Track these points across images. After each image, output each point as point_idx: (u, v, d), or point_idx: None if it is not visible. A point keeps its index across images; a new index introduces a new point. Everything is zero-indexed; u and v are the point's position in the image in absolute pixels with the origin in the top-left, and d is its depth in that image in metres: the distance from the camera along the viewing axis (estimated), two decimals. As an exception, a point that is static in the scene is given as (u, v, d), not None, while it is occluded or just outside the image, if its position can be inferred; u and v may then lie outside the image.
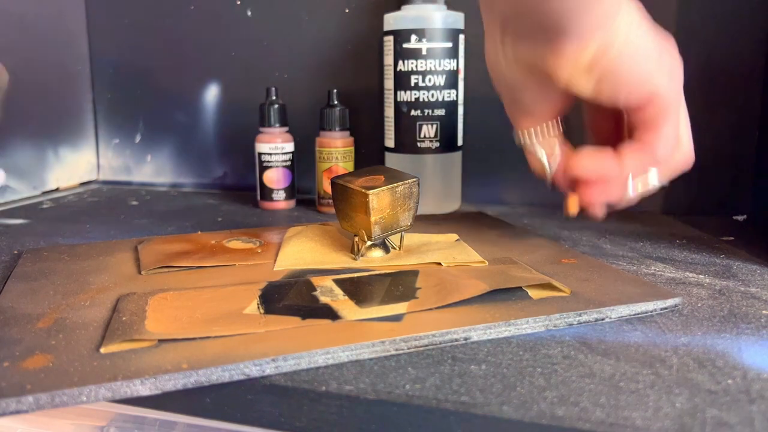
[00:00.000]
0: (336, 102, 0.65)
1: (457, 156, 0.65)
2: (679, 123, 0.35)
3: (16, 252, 0.49)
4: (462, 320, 0.33)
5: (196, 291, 0.38)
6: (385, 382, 0.28)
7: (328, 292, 0.38)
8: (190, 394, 0.28)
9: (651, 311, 0.36)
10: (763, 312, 0.37)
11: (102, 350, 0.30)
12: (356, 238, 0.45)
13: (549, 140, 0.38)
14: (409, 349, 0.31)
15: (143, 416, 0.32)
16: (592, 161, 0.36)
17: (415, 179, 0.43)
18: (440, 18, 0.60)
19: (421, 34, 0.60)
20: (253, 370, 0.28)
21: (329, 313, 0.34)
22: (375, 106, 0.73)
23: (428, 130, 0.62)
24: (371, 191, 0.41)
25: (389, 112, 0.63)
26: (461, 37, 0.62)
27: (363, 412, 0.27)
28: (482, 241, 0.50)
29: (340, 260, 0.44)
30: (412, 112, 0.61)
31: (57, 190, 0.79)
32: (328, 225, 0.52)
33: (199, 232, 0.54)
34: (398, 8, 0.62)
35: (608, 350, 0.31)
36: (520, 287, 0.38)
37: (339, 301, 0.36)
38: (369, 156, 0.73)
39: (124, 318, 0.33)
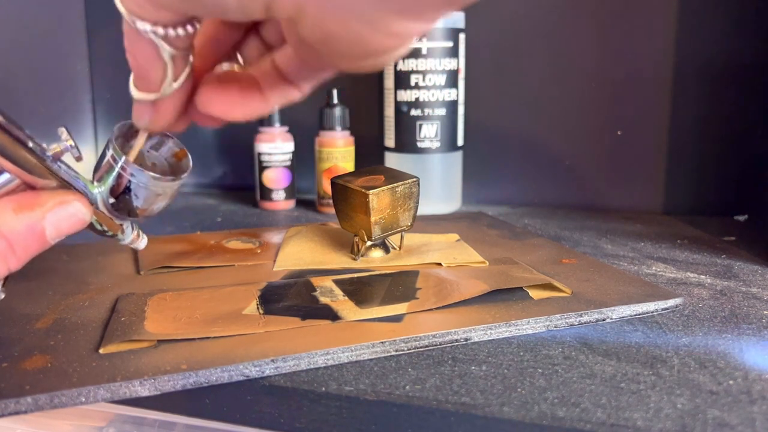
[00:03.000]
0: (336, 102, 0.65)
1: (457, 156, 0.65)
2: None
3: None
4: (462, 321, 0.33)
5: (196, 291, 0.38)
6: (385, 383, 0.28)
7: (328, 292, 0.37)
8: (189, 394, 0.28)
9: (652, 312, 0.36)
10: (765, 312, 0.36)
11: (101, 351, 0.30)
12: (356, 238, 0.44)
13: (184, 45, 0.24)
14: (409, 349, 0.31)
15: (142, 417, 0.32)
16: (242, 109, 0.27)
17: (415, 179, 0.43)
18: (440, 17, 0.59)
19: (421, 33, 0.59)
20: (252, 370, 0.28)
21: (329, 314, 0.34)
22: (375, 106, 0.73)
23: (428, 130, 0.61)
24: (371, 191, 0.41)
25: (389, 112, 0.63)
26: (461, 36, 0.62)
27: (363, 412, 0.27)
28: (482, 241, 0.49)
29: (340, 260, 0.44)
30: (412, 112, 0.61)
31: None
32: (328, 225, 0.52)
33: (199, 233, 0.53)
34: (398, 8, 0.62)
35: (609, 351, 0.31)
36: (521, 287, 0.38)
37: (339, 301, 0.36)
38: (369, 156, 0.73)
39: (123, 318, 0.33)
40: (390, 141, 0.64)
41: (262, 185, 0.68)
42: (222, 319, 0.33)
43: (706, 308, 0.37)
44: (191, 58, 0.25)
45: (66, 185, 0.27)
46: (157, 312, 0.34)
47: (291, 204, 0.69)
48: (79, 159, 0.27)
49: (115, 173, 0.28)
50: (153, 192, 0.29)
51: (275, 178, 0.67)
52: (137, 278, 0.41)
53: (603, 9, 0.63)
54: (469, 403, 0.26)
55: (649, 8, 0.62)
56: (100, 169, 0.28)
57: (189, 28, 0.23)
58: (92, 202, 0.28)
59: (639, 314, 0.35)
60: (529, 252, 0.47)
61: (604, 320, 0.35)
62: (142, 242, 0.33)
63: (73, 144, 0.27)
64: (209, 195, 0.77)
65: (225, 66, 0.28)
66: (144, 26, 0.22)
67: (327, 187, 0.65)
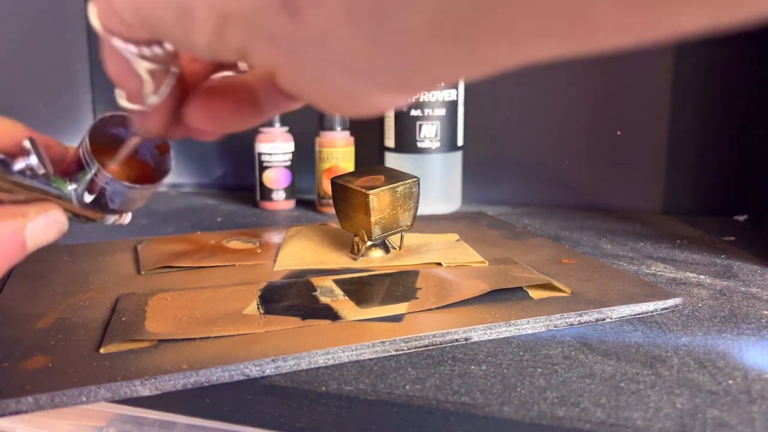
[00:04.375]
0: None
1: (457, 156, 0.65)
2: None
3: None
4: (462, 320, 0.33)
5: (196, 291, 0.38)
6: (385, 383, 0.28)
7: (328, 292, 0.37)
8: (189, 394, 0.28)
9: (652, 311, 0.36)
10: (764, 312, 0.37)
11: (102, 351, 0.30)
12: (356, 238, 0.45)
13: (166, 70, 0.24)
14: (409, 349, 0.31)
15: (143, 416, 0.32)
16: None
17: (415, 179, 0.43)
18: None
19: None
20: (252, 370, 0.28)
21: (329, 314, 0.34)
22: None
23: (428, 130, 0.62)
24: (371, 191, 0.41)
25: (389, 112, 0.63)
26: (461, 37, 0.62)
27: (363, 412, 0.27)
28: (482, 241, 0.49)
29: (340, 260, 0.44)
30: (412, 112, 0.61)
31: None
32: (328, 225, 0.52)
33: (199, 232, 0.54)
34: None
35: (609, 350, 0.31)
36: (521, 287, 0.38)
37: (339, 301, 0.36)
38: (369, 156, 0.73)
39: (123, 318, 0.33)
40: (390, 141, 0.64)
41: (262, 185, 0.68)
42: (222, 318, 0.33)
43: (706, 308, 0.37)
44: (174, 69, 0.24)
45: (38, 194, 0.26)
46: (158, 312, 0.34)
47: (291, 204, 0.69)
48: (45, 176, 0.26)
49: (88, 176, 0.27)
50: (129, 198, 0.28)
51: (275, 178, 0.67)
52: (138, 278, 0.41)
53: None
54: (469, 403, 0.26)
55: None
56: (74, 165, 0.27)
57: (167, 45, 0.22)
58: (67, 201, 0.27)
59: (638, 314, 0.36)
60: (529, 252, 0.47)
61: (603, 320, 0.35)
62: (126, 219, 0.32)
63: (37, 162, 0.26)
64: (210, 195, 0.77)
65: (225, 72, 0.27)
66: (117, 43, 0.21)
67: (327, 187, 0.65)
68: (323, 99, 0.19)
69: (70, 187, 0.27)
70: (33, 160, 0.26)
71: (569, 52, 0.15)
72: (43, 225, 0.27)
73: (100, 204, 0.28)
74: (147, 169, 0.29)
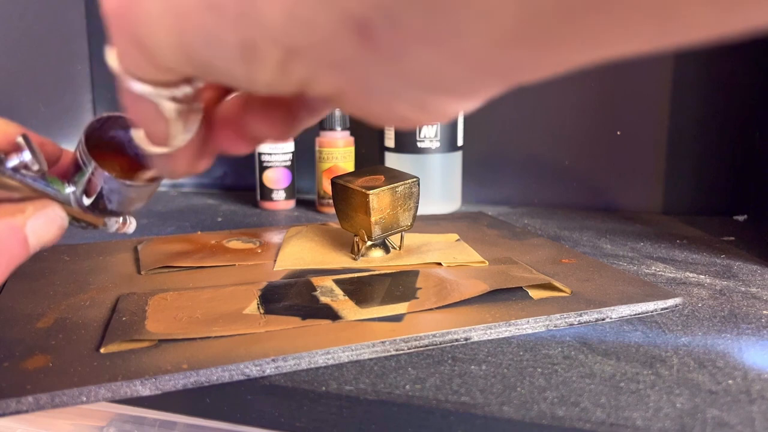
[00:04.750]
0: (336, 102, 0.65)
1: (457, 156, 0.65)
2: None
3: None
4: (462, 320, 0.33)
5: (196, 291, 0.38)
6: (385, 383, 0.28)
7: (329, 292, 0.37)
8: (190, 394, 0.28)
9: (651, 311, 0.36)
10: (764, 312, 0.37)
11: (102, 350, 0.30)
12: (356, 238, 0.45)
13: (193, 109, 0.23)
14: (409, 349, 0.31)
15: (143, 416, 0.32)
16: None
17: (415, 179, 0.43)
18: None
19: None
20: (253, 370, 0.28)
21: (329, 314, 0.34)
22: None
23: (428, 130, 0.62)
24: (371, 191, 0.41)
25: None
26: (461, 37, 0.62)
27: (363, 412, 0.27)
28: (482, 241, 0.50)
29: (340, 260, 0.44)
30: (412, 112, 0.61)
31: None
32: (328, 225, 0.52)
33: (199, 232, 0.54)
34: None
35: (609, 350, 0.31)
36: (521, 287, 0.38)
37: (339, 301, 0.36)
38: (369, 156, 0.73)
39: (124, 318, 0.33)
40: (390, 141, 0.64)
41: (262, 185, 0.68)
42: (223, 318, 0.33)
43: (706, 308, 0.37)
44: (199, 104, 0.22)
45: (33, 193, 0.26)
46: (158, 312, 0.34)
47: (291, 204, 0.69)
48: (40, 172, 0.26)
49: (86, 177, 0.27)
50: (127, 197, 0.28)
51: (275, 178, 0.67)
52: (138, 278, 0.41)
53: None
54: (468, 403, 0.26)
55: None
56: (72, 167, 0.27)
57: (198, 83, 0.21)
58: (66, 203, 0.27)
59: (638, 314, 0.36)
60: (529, 252, 0.47)
61: (603, 320, 0.35)
62: (131, 227, 0.32)
63: (31, 158, 0.25)
64: (210, 195, 0.77)
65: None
66: (142, 87, 0.20)
67: (327, 187, 0.65)
68: (390, 116, 0.19)
69: (68, 190, 0.27)
70: (27, 155, 0.25)
71: (652, 49, 0.15)
72: (44, 222, 0.26)
73: (99, 206, 0.28)
74: (145, 168, 0.29)
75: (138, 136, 0.23)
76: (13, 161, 0.25)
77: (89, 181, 0.27)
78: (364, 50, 0.16)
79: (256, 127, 0.23)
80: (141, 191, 0.28)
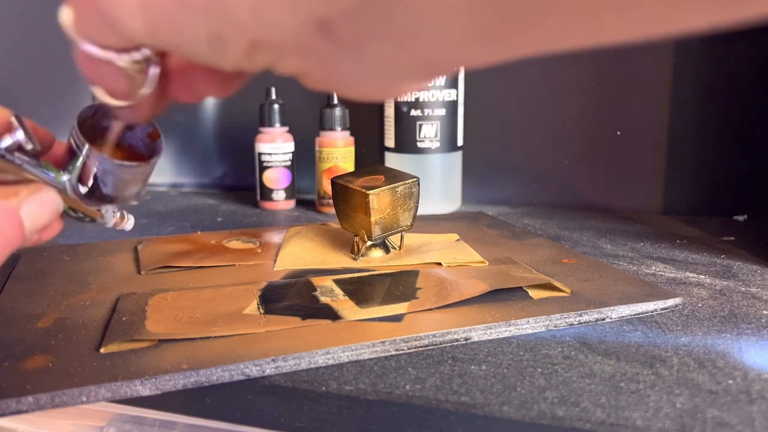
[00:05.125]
0: (336, 102, 0.65)
1: (457, 156, 0.65)
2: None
3: (16, 252, 0.49)
4: (462, 320, 0.33)
5: (196, 291, 0.38)
6: (385, 383, 0.28)
7: (329, 292, 0.37)
8: (190, 394, 0.28)
9: (651, 311, 0.36)
10: (764, 312, 0.37)
11: (102, 350, 0.30)
12: (356, 238, 0.45)
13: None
14: (409, 349, 0.31)
15: (143, 416, 0.32)
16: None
17: (415, 179, 0.43)
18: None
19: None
20: (253, 370, 0.28)
21: (329, 314, 0.34)
22: (375, 106, 0.73)
23: (428, 130, 0.62)
24: (371, 191, 0.41)
25: (389, 112, 0.63)
26: (461, 37, 0.62)
27: (363, 412, 0.27)
28: (482, 241, 0.50)
29: (340, 260, 0.44)
30: (412, 112, 0.61)
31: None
32: (328, 225, 0.52)
33: (199, 232, 0.54)
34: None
35: (609, 350, 0.31)
36: (521, 287, 0.38)
37: (339, 301, 0.36)
38: (369, 156, 0.73)
39: (124, 318, 0.33)
40: (390, 141, 0.64)
41: (262, 185, 0.68)
42: (223, 318, 0.33)
43: (706, 308, 0.37)
44: (159, 58, 0.23)
45: (28, 177, 0.26)
46: (158, 312, 0.34)
47: (291, 204, 0.69)
48: (34, 151, 0.26)
49: (80, 161, 0.26)
50: (121, 178, 0.27)
51: (275, 178, 0.67)
52: (138, 278, 0.41)
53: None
54: (468, 403, 0.26)
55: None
56: (66, 155, 0.27)
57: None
58: (61, 190, 0.27)
59: (638, 314, 0.36)
60: (529, 252, 0.47)
61: (603, 320, 0.35)
62: (128, 224, 0.32)
63: (24, 137, 0.25)
64: (210, 195, 0.77)
65: None
66: (105, 54, 0.20)
67: (327, 187, 0.65)
68: (351, 92, 0.20)
69: (64, 177, 0.27)
70: (20, 135, 0.25)
71: (594, 44, 0.17)
72: (39, 206, 0.26)
73: (96, 194, 0.27)
74: (140, 158, 0.29)
75: (98, 91, 0.23)
76: (6, 141, 0.25)
77: (84, 165, 0.27)
78: (326, 44, 0.17)
79: (200, 85, 0.24)
80: (135, 172, 0.28)
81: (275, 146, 0.66)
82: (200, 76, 0.23)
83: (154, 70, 0.23)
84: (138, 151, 0.29)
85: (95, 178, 0.27)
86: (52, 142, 0.29)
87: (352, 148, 0.66)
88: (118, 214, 0.32)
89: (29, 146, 0.25)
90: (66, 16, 0.20)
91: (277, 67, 0.19)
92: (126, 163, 0.27)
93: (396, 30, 0.16)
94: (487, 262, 0.43)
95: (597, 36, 0.16)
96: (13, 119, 0.25)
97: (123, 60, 0.21)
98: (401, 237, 0.46)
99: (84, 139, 0.26)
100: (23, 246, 0.27)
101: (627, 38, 0.16)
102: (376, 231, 0.42)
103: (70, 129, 0.27)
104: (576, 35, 0.16)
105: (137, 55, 0.21)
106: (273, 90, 0.67)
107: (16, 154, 0.25)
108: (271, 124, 0.67)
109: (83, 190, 0.27)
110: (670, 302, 0.36)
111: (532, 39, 0.16)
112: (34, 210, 0.26)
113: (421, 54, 0.17)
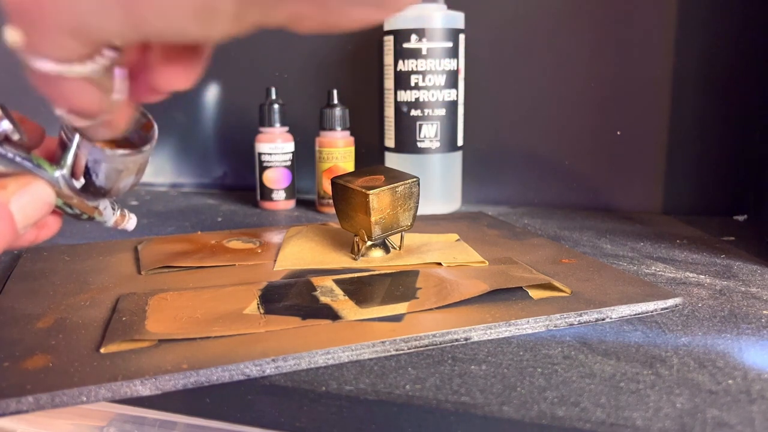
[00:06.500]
0: (336, 102, 0.65)
1: (457, 156, 0.65)
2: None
3: (16, 252, 0.49)
4: (462, 320, 0.33)
5: (196, 291, 0.38)
6: (385, 383, 0.28)
7: (329, 292, 0.37)
8: (190, 394, 0.28)
9: (651, 311, 0.36)
10: (764, 312, 0.37)
11: (102, 350, 0.30)
12: (356, 238, 0.45)
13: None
14: (409, 349, 0.31)
15: (143, 416, 0.32)
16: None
17: (415, 179, 0.43)
18: (440, 18, 0.60)
19: (421, 33, 0.60)
20: (253, 370, 0.28)
21: (329, 314, 0.34)
22: (375, 106, 0.73)
23: (428, 130, 0.62)
24: (371, 191, 0.41)
25: (389, 112, 0.63)
26: (461, 36, 0.62)
27: (363, 412, 0.27)
28: (482, 241, 0.50)
29: (340, 260, 0.44)
30: (412, 112, 0.61)
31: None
32: (328, 225, 0.52)
33: (199, 232, 0.54)
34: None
35: (609, 350, 0.31)
36: (521, 287, 0.38)
37: (339, 301, 0.36)
38: (369, 156, 0.73)
39: (124, 318, 0.33)
40: (390, 141, 0.64)
41: (262, 185, 0.68)
42: (223, 318, 0.33)
43: (706, 308, 0.37)
44: (120, 58, 0.21)
45: (18, 170, 0.25)
46: (158, 311, 0.34)
47: (291, 204, 0.69)
48: (21, 141, 0.25)
49: (71, 153, 0.26)
50: (114, 168, 0.27)
51: (275, 178, 0.67)
52: (138, 278, 0.41)
53: (602, 9, 0.63)
54: (468, 403, 0.26)
55: (649, 8, 0.62)
56: (58, 150, 0.26)
57: (115, 46, 0.20)
58: (54, 185, 0.26)
59: (638, 314, 0.36)
60: (529, 252, 0.47)
61: (603, 320, 0.35)
62: (130, 223, 0.31)
63: (10, 127, 0.24)
64: (210, 195, 0.77)
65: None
66: (69, 67, 0.19)
67: (327, 187, 0.65)
68: (347, 22, 0.20)
69: (57, 173, 0.26)
70: (6, 124, 0.24)
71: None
72: (30, 199, 0.25)
73: (90, 188, 0.27)
74: (133, 147, 0.28)
75: (66, 114, 0.22)
76: None
77: (76, 157, 0.26)
78: None
79: (163, 78, 0.23)
80: (127, 161, 0.27)
81: (275, 146, 0.66)
82: (162, 68, 0.22)
83: (120, 71, 0.22)
84: (132, 141, 0.29)
85: (87, 169, 0.26)
86: (42, 136, 0.28)
87: (352, 148, 0.66)
88: (119, 213, 0.31)
89: (16, 136, 0.25)
90: (12, 35, 0.19)
91: (269, 19, 0.19)
92: (118, 151, 0.26)
93: None
94: (487, 262, 0.43)
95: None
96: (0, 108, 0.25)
97: (86, 68, 0.20)
98: (401, 237, 0.46)
99: (74, 128, 0.25)
100: (18, 242, 0.26)
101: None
102: (376, 231, 0.42)
103: (59, 121, 0.26)
104: None
105: (102, 60, 0.20)
106: (273, 90, 0.67)
107: (4, 145, 0.25)
108: (271, 124, 0.67)
109: (78, 184, 0.27)
110: (670, 302, 0.36)
111: None
112: (25, 204, 0.25)
113: None
